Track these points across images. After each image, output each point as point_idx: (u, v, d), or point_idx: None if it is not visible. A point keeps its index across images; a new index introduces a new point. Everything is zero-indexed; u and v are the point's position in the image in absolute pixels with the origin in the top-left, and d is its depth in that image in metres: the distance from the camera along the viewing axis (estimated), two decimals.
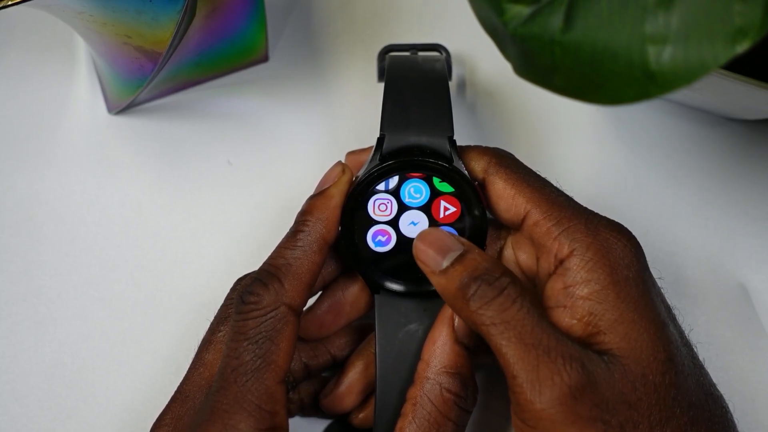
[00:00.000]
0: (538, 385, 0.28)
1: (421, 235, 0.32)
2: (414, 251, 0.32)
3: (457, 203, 0.33)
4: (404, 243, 0.33)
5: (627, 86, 0.23)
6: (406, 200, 0.33)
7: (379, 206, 0.33)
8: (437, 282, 0.31)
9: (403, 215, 0.33)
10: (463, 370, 0.31)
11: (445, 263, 0.30)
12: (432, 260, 0.31)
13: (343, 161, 0.36)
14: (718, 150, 0.42)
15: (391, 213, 0.33)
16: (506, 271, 0.30)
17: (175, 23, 0.34)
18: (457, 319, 0.31)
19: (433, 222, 0.33)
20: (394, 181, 0.33)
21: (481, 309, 0.29)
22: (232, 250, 0.40)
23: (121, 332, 0.39)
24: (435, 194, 0.33)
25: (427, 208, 0.33)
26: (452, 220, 0.33)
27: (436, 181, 0.33)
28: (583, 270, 0.30)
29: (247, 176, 0.42)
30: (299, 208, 0.33)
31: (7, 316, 0.39)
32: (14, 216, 0.41)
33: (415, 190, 0.33)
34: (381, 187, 0.33)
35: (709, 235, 0.41)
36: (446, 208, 0.33)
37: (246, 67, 0.44)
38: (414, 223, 0.33)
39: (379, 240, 0.33)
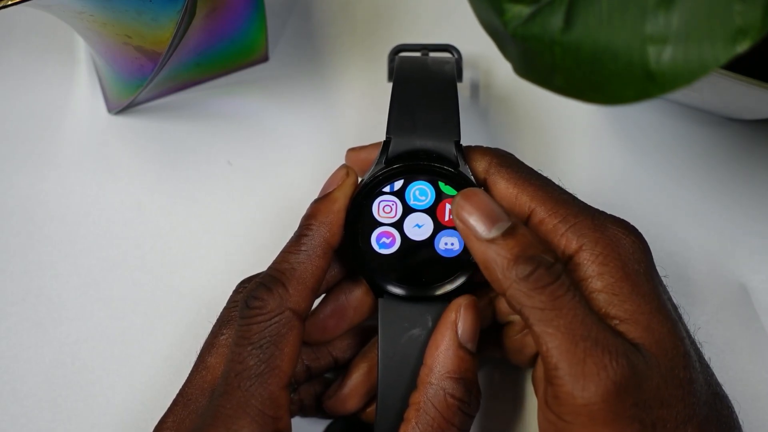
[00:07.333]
0: (581, 379, 0.27)
1: (466, 193, 0.31)
2: (455, 209, 0.31)
3: None
4: (409, 245, 0.33)
5: (627, 86, 0.23)
6: (411, 202, 0.33)
7: (384, 208, 0.33)
8: (480, 249, 0.30)
9: (408, 217, 0.33)
10: (466, 375, 0.30)
11: (494, 233, 0.30)
12: (477, 224, 0.30)
13: (343, 158, 0.36)
14: (718, 150, 0.42)
15: (395, 215, 0.33)
16: (558, 258, 0.29)
17: (175, 23, 0.34)
18: (460, 324, 0.31)
19: (438, 225, 0.33)
20: (399, 183, 0.33)
21: (533, 291, 0.28)
22: (232, 250, 0.40)
23: (121, 332, 0.39)
24: (440, 197, 0.33)
25: (432, 211, 0.33)
26: None
27: (441, 183, 0.33)
28: (595, 264, 0.30)
29: (247, 176, 0.42)
30: (299, 208, 0.33)
31: (7, 316, 0.39)
32: (14, 216, 0.41)
33: (421, 193, 0.33)
34: (386, 189, 0.33)
35: (709, 235, 0.41)
36: (452, 211, 0.33)
37: (246, 67, 0.44)
38: (419, 226, 0.33)
39: (384, 242, 0.33)
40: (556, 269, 0.29)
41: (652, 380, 0.28)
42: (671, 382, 0.28)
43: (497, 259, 0.29)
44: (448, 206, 0.33)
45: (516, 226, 0.30)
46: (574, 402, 0.27)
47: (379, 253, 0.33)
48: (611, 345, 0.28)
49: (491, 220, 0.30)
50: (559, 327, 0.28)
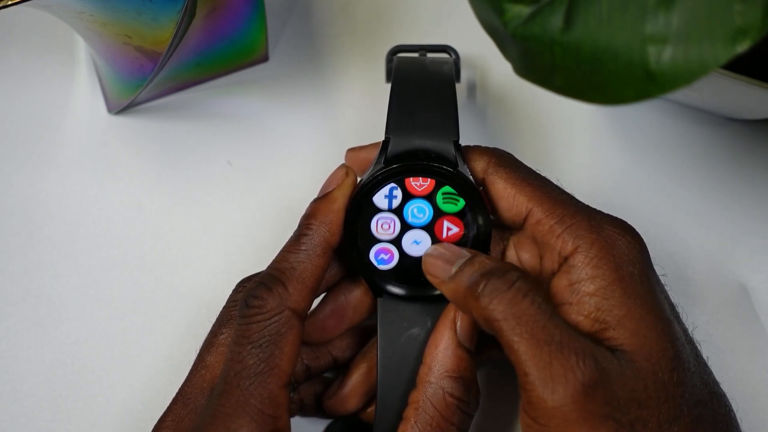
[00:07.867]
0: (550, 383, 0.27)
1: (429, 250, 0.32)
2: (423, 267, 0.32)
3: (460, 224, 0.33)
4: (407, 261, 0.33)
5: (627, 86, 0.23)
6: (410, 220, 0.33)
7: (382, 225, 0.33)
8: (447, 289, 0.31)
9: (406, 234, 0.33)
10: (465, 374, 0.30)
11: (454, 269, 0.30)
12: (441, 270, 0.31)
13: (343, 158, 0.36)
14: (718, 150, 0.42)
15: (394, 232, 0.33)
16: (515, 267, 0.30)
17: (175, 23, 0.34)
18: (459, 323, 0.31)
19: (436, 242, 0.33)
20: (397, 201, 0.33)
21: (492, 304, 0.29)
22: (232, 250, 0.40)
23: (121, 332, 0.39)
24: (438, 214, 0.33)
25: (430, 228, 0.33)
26: (454, 240, 0.33)
27: (439, 201, 0.33)
28: (588, 266, 0.30)
29: (247, 176, 0.42)
30: (299, 208, 0.33)
31: (7, 316, 0.39)
32: (14, 216, 0.41)
33: (419, 210, 0.33)
34: (384, 205, 0.33)
35: (709, 235, 0.41)
36: (449, 229, 0.33)
37: (246, 67, 0.44)
38: (417, 242, 0.33)
39: (382, 258, 0.33)
40: (509, 276, 0.29)
41: (626, 381, 0.28)
42: (653, 385, 0.28)
43: (459, 288, 0.30)
44: (446, 223, 0.33)
45: (474, 257, 0.31)
46: (546, 405, 0.27)
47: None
48: (577, 347, 0.28)
49: (451, 261, 0.31)
50: (522, 334, 0.28)
